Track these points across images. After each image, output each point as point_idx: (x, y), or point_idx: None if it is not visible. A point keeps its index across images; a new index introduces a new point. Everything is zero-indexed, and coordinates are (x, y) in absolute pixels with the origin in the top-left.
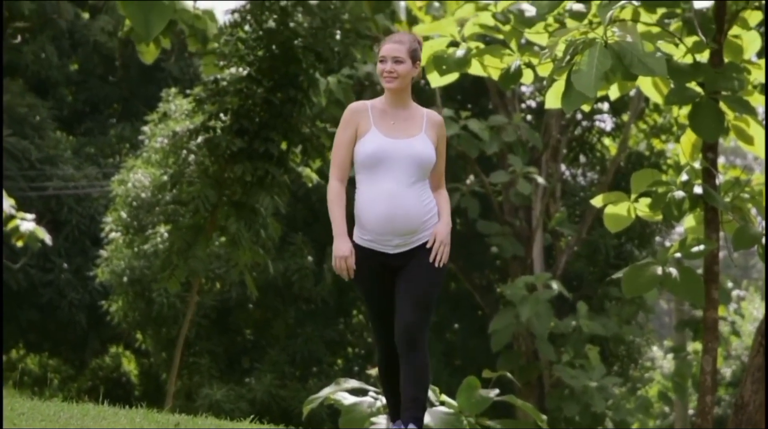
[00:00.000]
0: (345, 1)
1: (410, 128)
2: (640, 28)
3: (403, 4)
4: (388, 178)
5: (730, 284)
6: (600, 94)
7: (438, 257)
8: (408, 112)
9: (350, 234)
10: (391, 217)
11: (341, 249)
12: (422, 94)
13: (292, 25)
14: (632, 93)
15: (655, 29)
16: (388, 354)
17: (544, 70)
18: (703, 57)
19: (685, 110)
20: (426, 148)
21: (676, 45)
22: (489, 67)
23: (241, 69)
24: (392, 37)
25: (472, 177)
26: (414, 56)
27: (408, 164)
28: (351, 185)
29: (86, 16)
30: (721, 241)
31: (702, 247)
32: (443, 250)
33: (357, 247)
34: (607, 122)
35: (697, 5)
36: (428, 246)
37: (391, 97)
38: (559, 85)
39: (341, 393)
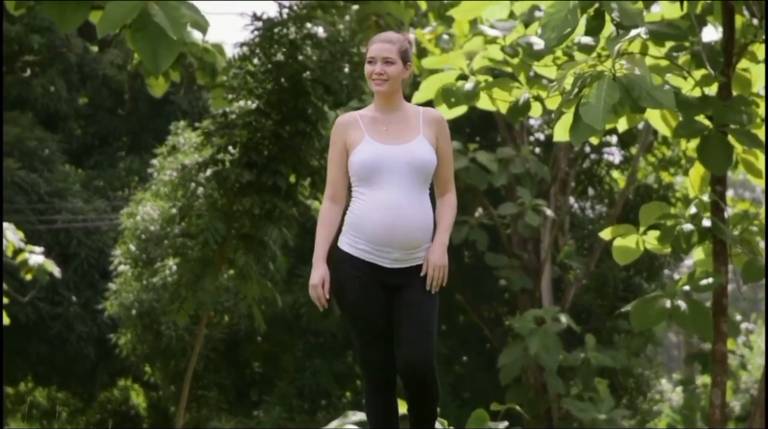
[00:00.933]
0: (353, 33)
1: (406, 132)
2: (649, 61)
3: (412, 36)
4: (387, 187)
5: (738, 317)
6: (608, 127)
7: (434, 284)
8: (401, 114)
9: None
10: (390, 227)
11: (312, 277)
12: None
13: (300, 58)
14: (641, 126)
15: (664, 62)
16: (382, 384)
17: (553, 103)
18: (712, 90)
19: (694, 143)
20: (426, 152)
21: (685, 78)
22: (497, 100)
23: (249, 102)
24: (381, 36)
25: (480, 209)
26: (405, 57)
27: (408, 171)
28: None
29: (95, 49)
30: (729, 274)
31: (710, 280)
32: (438, 275)
33: (345, 257)
34: (615, 155)
35: (705, 38)
36: (422, 273)
37: (382, 101)
38: (568, 118)
39: (349, 426)
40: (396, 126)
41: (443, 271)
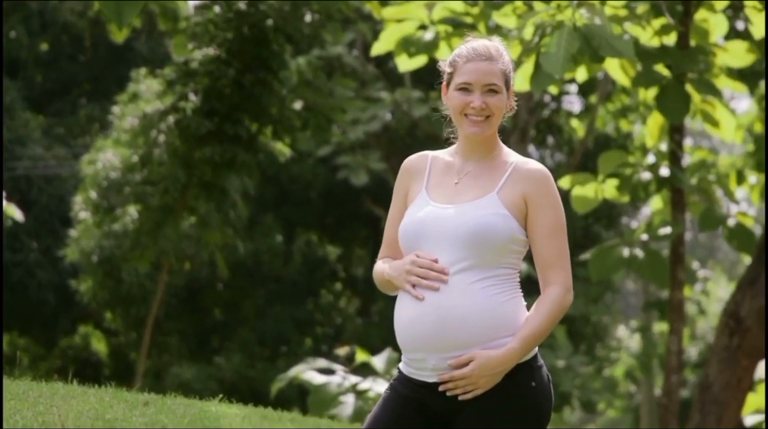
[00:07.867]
0: None
1: (479, 187)
2: (608, 10)
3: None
4: None
5: (696, 264)
6: (568, 76)
7: (451, 386)
8: (488, 164)
9: None
10: (413, 321)
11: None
12: (392, 76)
13: (262, 7)
14: (600, 75)
15: (623, 12)
16: None
17: (513, 53)
18: (670, 40)
19: (652, 92)
20: (487, 214)
21: (643, 28)
22: None
23: (211, 50)
24: (476, 49)
25: None
26: (508, 80)
27: (454, 242)
28: None
29: None
30: (687, 222)
31: (668, 228)
32: (463, 384)
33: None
34: (575, 104)
35: None
36: (449, 362)
37: (471, 145)
38: (528, 67)
39: (310, 372)
40: (472, 180)
41: (477, 383)
